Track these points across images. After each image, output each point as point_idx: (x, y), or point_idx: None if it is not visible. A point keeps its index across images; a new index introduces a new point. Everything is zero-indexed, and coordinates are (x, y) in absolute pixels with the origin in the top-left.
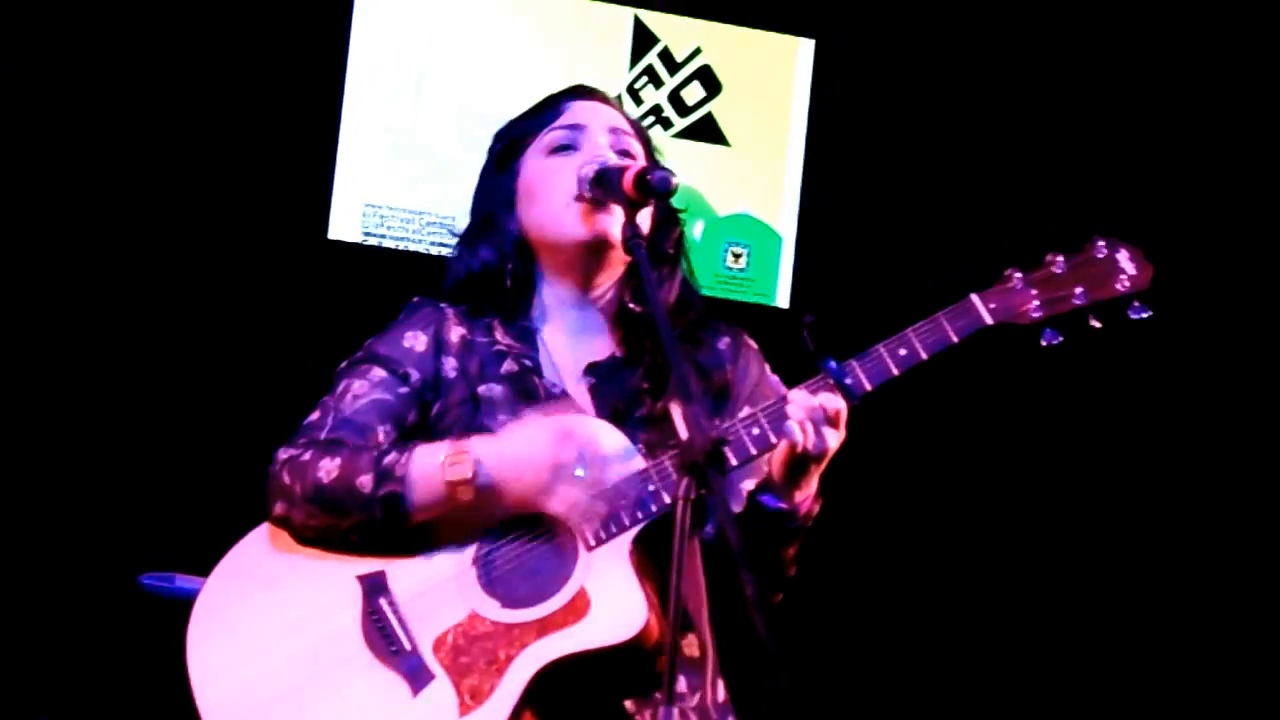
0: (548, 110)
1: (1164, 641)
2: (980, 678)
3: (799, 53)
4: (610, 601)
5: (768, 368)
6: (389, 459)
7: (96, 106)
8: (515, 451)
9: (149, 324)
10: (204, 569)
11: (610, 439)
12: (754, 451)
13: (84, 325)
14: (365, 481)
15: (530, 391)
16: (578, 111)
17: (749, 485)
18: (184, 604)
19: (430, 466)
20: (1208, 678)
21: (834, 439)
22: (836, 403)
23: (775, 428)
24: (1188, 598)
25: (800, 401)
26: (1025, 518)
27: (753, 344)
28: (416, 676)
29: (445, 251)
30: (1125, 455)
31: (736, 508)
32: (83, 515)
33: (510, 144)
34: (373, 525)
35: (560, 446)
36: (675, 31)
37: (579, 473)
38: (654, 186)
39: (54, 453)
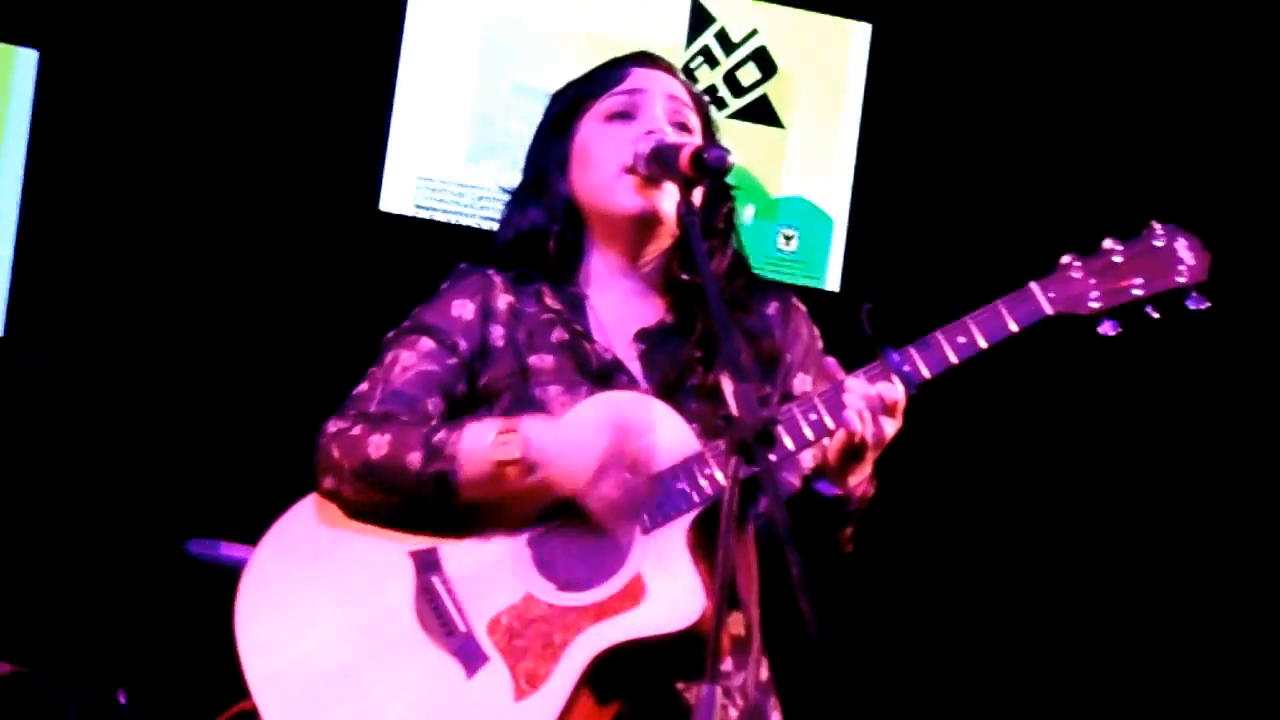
0: (608, 74)
1: (1194, 637)
2: (1027, 662)
3: (855, 36)
4: (667, 587)
5: (818, 333)
6: (439, 436)
7: (152, 78)
8: (566, 440)
9: (201, 293)
10: (250, 537)
11: (669, 427)
12: (811, 438)
13: (136, 293)
14: (415, 459)
15: (581, 359)
16: (638, 79)
17: (807, 464)
18: (230, 572)
19: (480, 445)
20: (1213, 677)
21: (891, 428)
22: (895, 392)
23: (834, 415)
24: (1214, 594)
25: (858, 389)
26: (1066, 510)
27: (801, 307)
28: (471, 658)
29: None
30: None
31: (794, 482)
32: (130, 483)
33: (568, 106)
34: (422, 503)
35: (612, 442)
36: (732, 12)
37: (627, 475)
38: (710, 165)
39: (104, 420)
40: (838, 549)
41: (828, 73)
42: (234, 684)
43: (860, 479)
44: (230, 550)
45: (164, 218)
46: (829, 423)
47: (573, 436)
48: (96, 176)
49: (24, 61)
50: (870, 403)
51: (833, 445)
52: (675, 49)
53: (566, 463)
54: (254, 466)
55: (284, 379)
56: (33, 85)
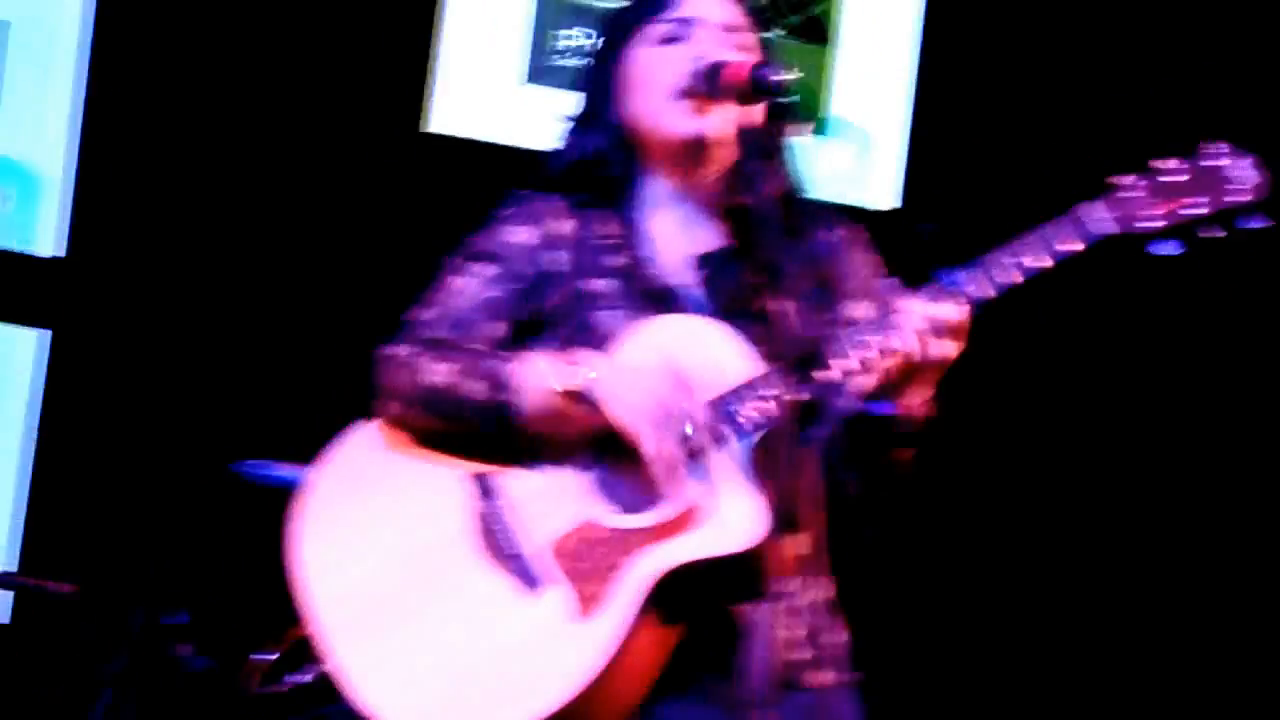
0: None
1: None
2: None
3: None
4: (727, 509)
5: (880, 261)
6: (501, 367)
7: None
8: (624, 369)
9: (255, 215)
10: (301, 458)
11: (730, 351)
12: (869, 358)
13: (191, 216)
14: (477, 389)
15: (641, 284)
16: (690, 4)
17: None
18: (280, 492)
19: (541, 375)
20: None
21: (952, 349)
22: (953, 312)
23: (891, 335)
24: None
25: (917, 309)
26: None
27: (859, 230)
28: (531, 581)
29: (547, 146)
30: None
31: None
32: (183, 405)
33: (621, 29)
34: (482, 432)
35: (671, 369)
36: None
37: (688, 430)
38: (768, 85)
39: (158, 343)
40: (895, 470)
41: None
42: (287, 605)
43: (921, 399)
44: (282, 470)
45: (218, 142)
46: (887, 343)
47: (632, 364)
48: (152, 100)
49: None
50: (932, 322)
51: (894, 366)
52: None
53: (628, 399)
54: (304, 389)
55: (333, 302)
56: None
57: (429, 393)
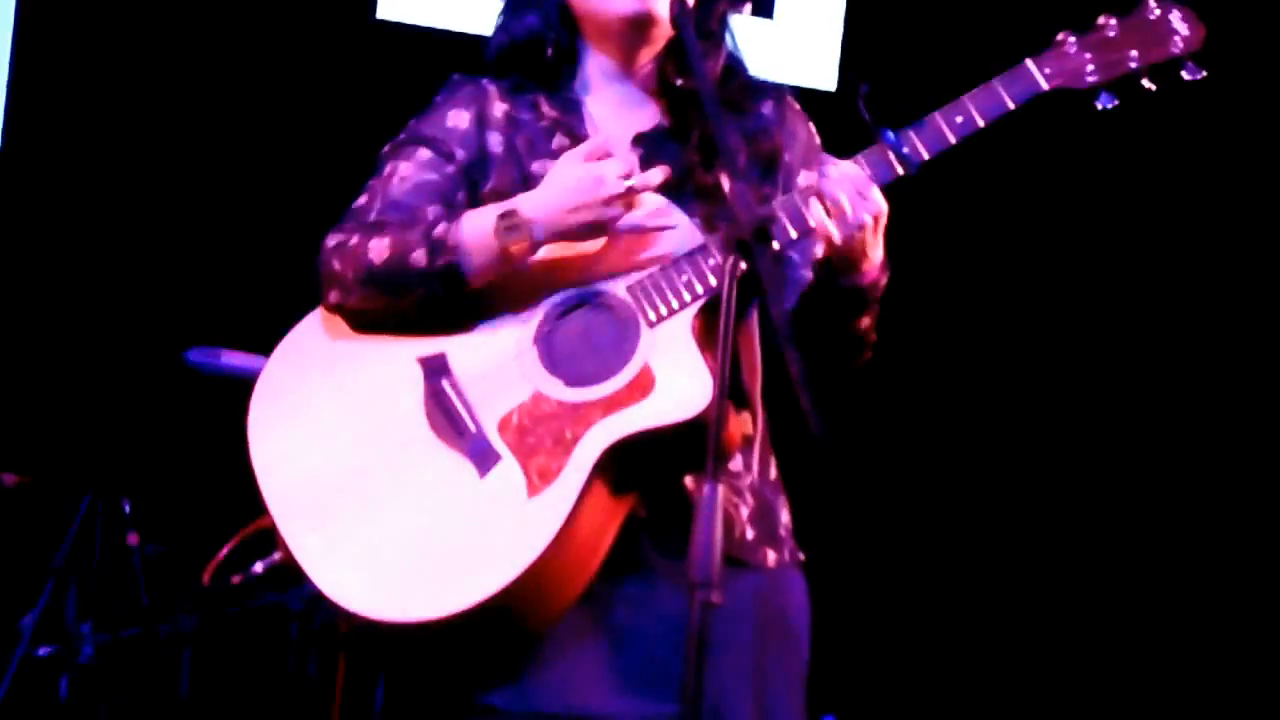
0: None
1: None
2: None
3: None
4: (675, 378)
5: (814, 130)
6: (439, 230)
7: None
8: (558, 193)
9: (202, 103)
10: (249, 345)
11: (669, 218)
12: (806, 226)
13: (137, 102)
14: (419, 256)
15: None
16: None
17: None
18: (230, 381)
19: (483, 231)
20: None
21: (877, 207)
22: (856, 169)
23: (821, 199)
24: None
25: (845, 171)
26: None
27: (796, 105)
28: (483, 457)
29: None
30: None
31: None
32: (131, 293)
33: None
34: (433, 299)
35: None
36: None
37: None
38: None
39: (106, 232)
40: (856, 341)
41: None
42: (242, 494)
43: (870, 266)
44: (231, 358)
45: (162, 27)
46: (819, 208)
47: (563, 185)
48: None
49: None
50: (853, 183)
51: (832, 230)
52: None
53: (561, 197)
54: (253, 278)
55: (283, 191)
56: None
57: (371, 271)
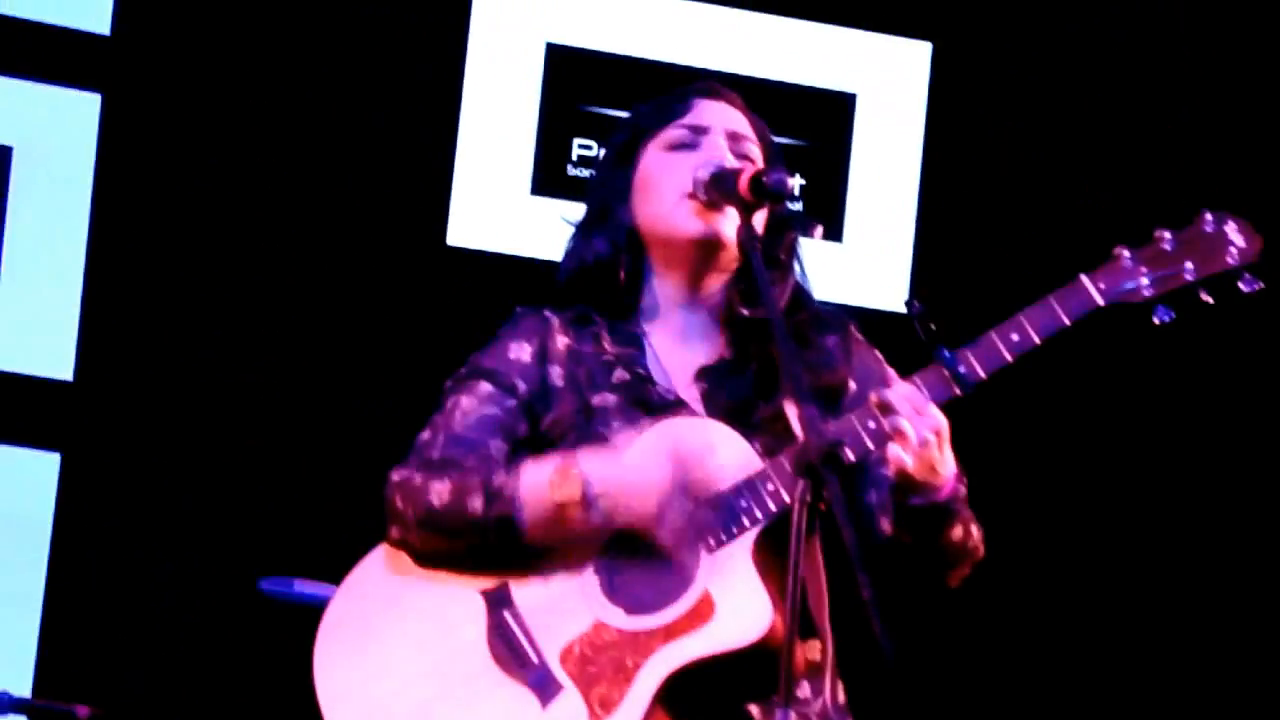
0: (673, 105)
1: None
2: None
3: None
4: (735, 603)
5: (879, 355)
6: (498, 480)
7: (219, 114)
8: (626, 472)
9: (275, 331)
10: (322, 574)
11: (729, 446)
12: (870, 447)
13: (208, 332)
14: (476, 504)
15: (645, 399)
16: (703, 111)
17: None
18: (303, 609)
19: (539, 485)
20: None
21: (937, 424)
22: (913, 390)
23: (881, 421)
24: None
25: (899, 390)
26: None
27: (859, 336)
28: (545, 688)
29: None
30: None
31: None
32: (204, 522)
33: (632, 135)
34: (487, 547)
35: (673, 470)
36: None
37: (691, 504)
38: (769, 189)
39: (178, 461)
40: (948, 554)
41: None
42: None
43: (944, 478)
44: (303, 587)
45: (234, 257)
46: (879, 429)
47: (633, 468)
48: (164, 214)
49: (88, 105)
50: (910, 403)
51: (899, 451)
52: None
53: (628, 497)
54: (326, 505)
55: (358, 418)
56: (96, 128)
57: (431, 513)
